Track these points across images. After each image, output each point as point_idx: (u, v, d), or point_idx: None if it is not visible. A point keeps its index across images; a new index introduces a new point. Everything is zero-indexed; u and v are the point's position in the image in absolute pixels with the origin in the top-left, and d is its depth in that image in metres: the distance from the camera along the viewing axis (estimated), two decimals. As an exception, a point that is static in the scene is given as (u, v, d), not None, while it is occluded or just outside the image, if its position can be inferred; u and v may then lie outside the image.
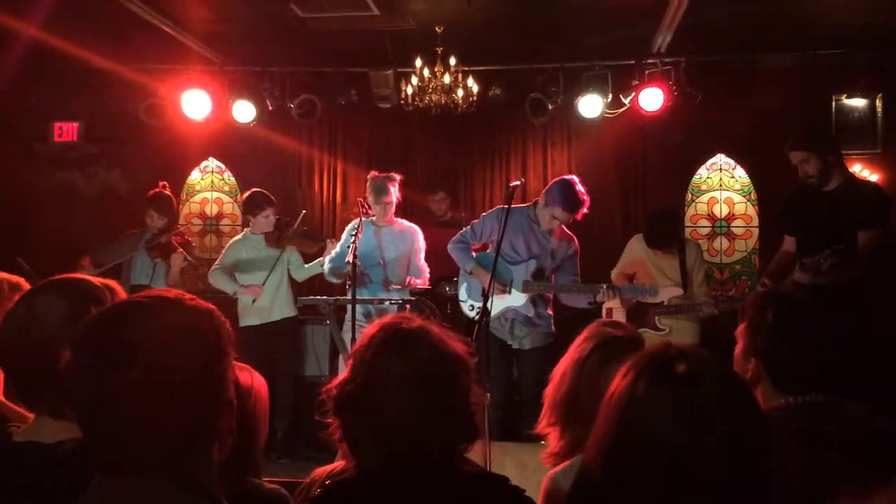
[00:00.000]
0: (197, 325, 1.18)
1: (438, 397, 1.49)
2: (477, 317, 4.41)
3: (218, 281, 5.28)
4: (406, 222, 5.10)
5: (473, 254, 4.58)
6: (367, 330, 1.59)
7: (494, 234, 4.45)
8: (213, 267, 5.36)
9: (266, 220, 5.27)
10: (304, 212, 5.49)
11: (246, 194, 5.40)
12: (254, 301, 5.15)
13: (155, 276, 5.27)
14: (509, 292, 4.35)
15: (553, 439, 2.02)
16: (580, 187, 4.31)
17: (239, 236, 5.46)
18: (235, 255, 5.33)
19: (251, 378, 1.80)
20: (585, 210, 4.33)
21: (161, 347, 1.12)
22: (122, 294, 1.58)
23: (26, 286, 1.93)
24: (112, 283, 1.60)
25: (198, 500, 1.14)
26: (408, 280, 4.82)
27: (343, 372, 1.61)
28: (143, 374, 1.08)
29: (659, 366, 1.21)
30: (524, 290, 4.32)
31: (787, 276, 4.19)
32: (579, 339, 2.08)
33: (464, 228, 4.68)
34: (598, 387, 1.83)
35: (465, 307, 4.64)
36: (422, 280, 4.98)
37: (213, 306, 1.23)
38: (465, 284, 4.66)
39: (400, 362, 1.49)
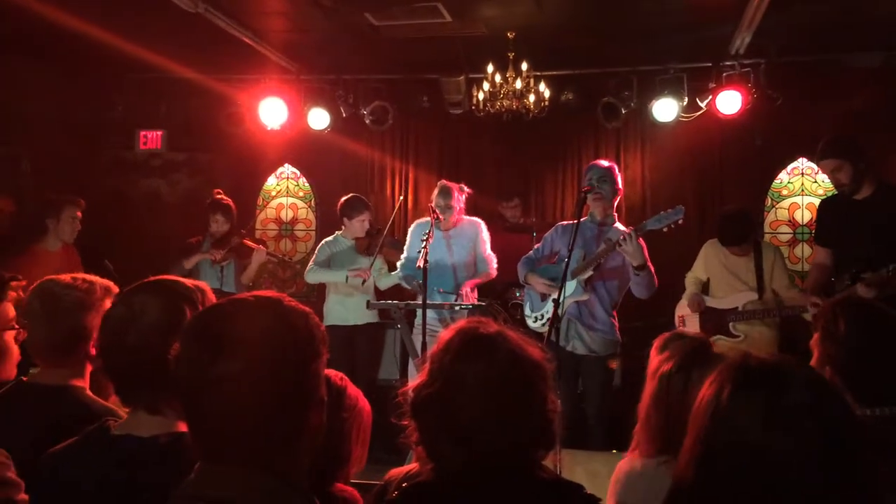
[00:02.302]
0: (295, 325, 1.24)
1: (517, 403, 1.48)
2: (542, 327, 4.36)
3: (318, 275, 5.38)
4: (467, 217, 5.12)
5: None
6: (444, 334, 1.60)
7: (555, 246, 4.47)
8: (309, 266, 5.45)
9: (361, 224, 5.37)
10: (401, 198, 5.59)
11: (344, 198, 5.49)
12: (364, 282, 5.23)
13: (224, 278, 5.44)
14: (562, 289, 4.27)
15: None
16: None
17: (330, 238, 5.56)
18: (328, 251, 5.45)
19: (356, 393, 1.84)
20: (615, 168, 4.43)
21: (261, 343, 1.19)
22: (211, 295, 1.65)
23: (115, 289, 2.03)
24: (202, 284, 1.67)
25: (289, 491, 1.20)
26: (463, 290, 4.81)
27: (416, 375, 1.62)
28: (243, 367, 1.16)
29: (744, 373, 1.20)
30: (573, 277, 4.21)
31: (827, 289, 4.04)
32: (655, 364, 2.05)
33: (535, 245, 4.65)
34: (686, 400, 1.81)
35: (531, 322, 4.53)
36: (487, 272, 4.99)
37: (310, 309, 1.29)
38: (528, 302, 4.60)
39: (479, 367, 1.49)
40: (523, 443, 1.49)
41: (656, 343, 2.14)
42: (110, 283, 2.06)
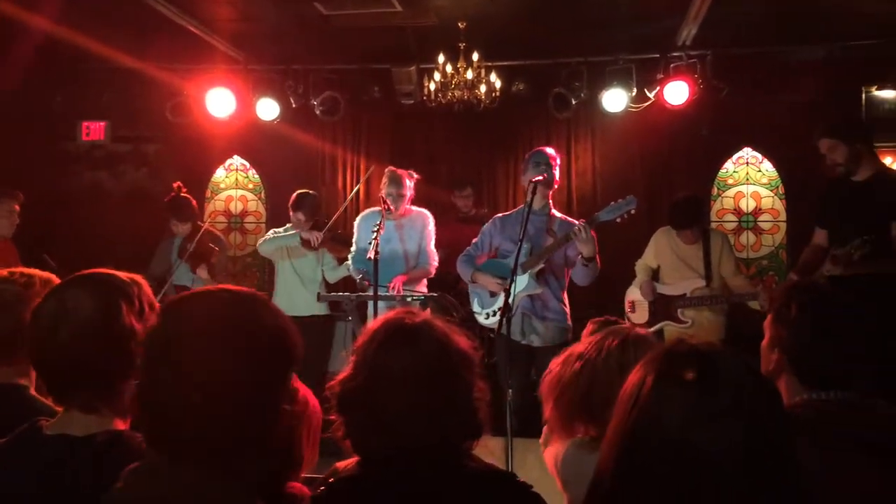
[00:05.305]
0: (266, 323, 1.21)
1: (442, 393, 1.46)
2: (494, 323, 4.30)
3: (272, 243, 5.28)
4: (416, 208, 5.08)
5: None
6: (370, 325, 1.57)
7: (495, 241, 4.46)
8: (264, 238, 5.38)
9: (298, 221, 5.30)
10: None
11: (295, 193, 5.40)
12: (312, 245, 5.16)
13: (195, 278, 5.32)
14: (513, 282, 4.23)
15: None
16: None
17: (280, 229, 5.46)
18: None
19: (306, 394, 1.80)
20: (557, 158, 4.36)
21: (228, 337, 1.17)
22: (147, 288, 1.60)
23: (57, 282, 1.95)
24: (137, 277, 1.62)
25: (236, 492, 1.17)
26: (393, 284, 4.72)
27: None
28: (208, 358, 1.14)
29: (670, 361, 1.13)
30: (524, 271, 4.18)
31: (817, 270, 4.13)
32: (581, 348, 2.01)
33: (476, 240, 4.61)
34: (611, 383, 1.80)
35: (481, 318, 4.49)
36: (426, 268, 4.96)
37: (284, 313, 1.26)
38: (475, 298, 4.55)
39: (403, 357, 1.47)
40: (450, 433, 1.46)
41: (589, 326, 2.14)
42: (51, 276, 1.98)
